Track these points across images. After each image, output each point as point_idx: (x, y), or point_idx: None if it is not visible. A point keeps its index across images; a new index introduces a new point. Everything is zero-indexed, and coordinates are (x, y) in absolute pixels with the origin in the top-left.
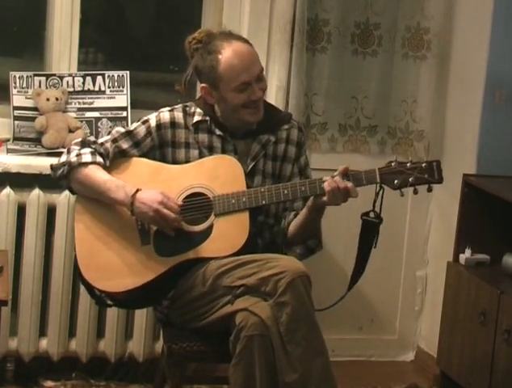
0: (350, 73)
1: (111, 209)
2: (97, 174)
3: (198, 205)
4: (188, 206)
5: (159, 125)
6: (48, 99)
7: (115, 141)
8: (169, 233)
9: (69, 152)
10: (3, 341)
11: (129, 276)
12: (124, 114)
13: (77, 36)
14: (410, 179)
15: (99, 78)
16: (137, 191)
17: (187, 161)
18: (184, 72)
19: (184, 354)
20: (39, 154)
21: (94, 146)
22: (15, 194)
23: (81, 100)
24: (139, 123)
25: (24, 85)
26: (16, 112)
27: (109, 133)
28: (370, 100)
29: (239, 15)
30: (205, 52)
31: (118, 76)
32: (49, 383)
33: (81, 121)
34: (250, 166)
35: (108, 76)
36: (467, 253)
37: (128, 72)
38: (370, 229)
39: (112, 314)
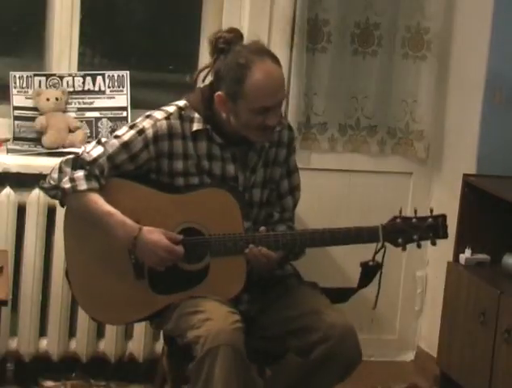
0: (350, 73)
1: (103, 236)
2: (93, 204)
3: (193, 243)
4: (183, 243)
5: (156, 137)
6: (48, 99)
7: (110, 157)
8: (161, 269)
9: (60, 171)
10: (3, 341)
11: (124, 311)
12: (124, 114)
13: (77, 36)
14: (414, 237)
15: (99, 78)
16: (140, 231)
17: (185, 171)
18: (184, 72)
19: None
20: (39, 154)
21: (88, 167)
22: (15, 194)
23: (81, 100)
24: (133, 132)
25: (24, 85)
26: (16, 112)
27: (99, 143)
28: (370, 100)
29: (239, 15)
30: (233, 62)
31: (118, 76)
32: (49, 383)
33: (81, 121)
34: (252, 179)
35: (108, 76)
36: (467, 253)
37: (127, 72)
38: (369, 274)
39: None
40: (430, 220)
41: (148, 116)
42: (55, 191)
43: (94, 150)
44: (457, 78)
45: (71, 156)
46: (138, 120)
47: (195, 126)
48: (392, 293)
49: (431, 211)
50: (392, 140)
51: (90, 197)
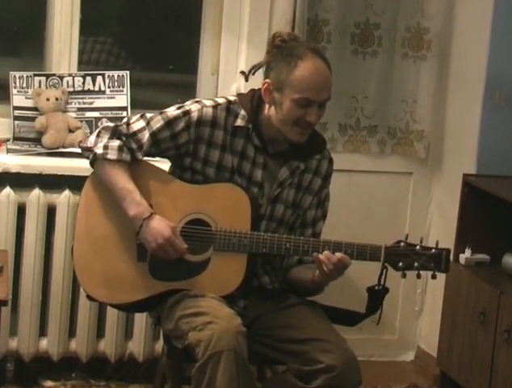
0: (350, 73)
1: (117, 211)
2: (118, 177)
3: (199, 235)
4: (190, 233)
5: (199, 122)
6: (48, 99)
7: (153, 134)
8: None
9: (98, 136)
10: (3, 341)
11: (119, 291)
12: (124, 114)
13: (77, 36)
14: (415, 264)
15: (99, 78)
16: (151, 215)
17: (219, 163)
18: (184, 72)
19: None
20: (39, 154)
21: (124, 139)
22: (15, 194)
23: (81, 100)
24: (179, 112)
25: (24, 85)
26: (16, 112)
27: (142, 117)
28: (370, 100)
29: (239, 15)
30: (287, 53)
31: (118, 76)
32: (49, 383)
33: (81, 121)
34: (276, 193)
35: (108, 76)
36: (467, 253)
37: (127, 72)
38: (375, 298)
39: (112, 314)
40: (433, 250)
41: (197, 101)
42: (88, 152)
43: (135, 124)
44: (457, 78)
45: (112, 124)
46: (187, 103)
47: (238, 122)
48: (392, 293)
49: (437, 243)
50: (392, 140)
51: (116, 168)
